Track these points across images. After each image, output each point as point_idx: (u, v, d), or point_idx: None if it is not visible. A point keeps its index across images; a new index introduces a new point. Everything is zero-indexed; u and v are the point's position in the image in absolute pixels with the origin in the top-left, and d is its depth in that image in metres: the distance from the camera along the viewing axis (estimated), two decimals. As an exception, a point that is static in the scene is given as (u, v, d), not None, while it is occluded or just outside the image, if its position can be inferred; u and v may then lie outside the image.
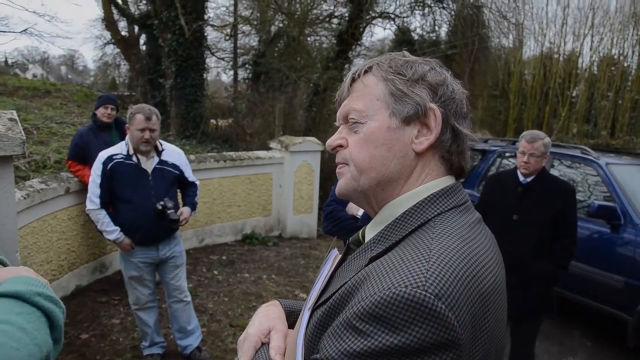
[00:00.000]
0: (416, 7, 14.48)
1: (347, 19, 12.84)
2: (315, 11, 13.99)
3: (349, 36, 12.61)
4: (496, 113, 24.89)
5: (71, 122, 9.34)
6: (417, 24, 31.65)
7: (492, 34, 17.33)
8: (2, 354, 0.73)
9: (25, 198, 4.47)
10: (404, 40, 16.56)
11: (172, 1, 10.82)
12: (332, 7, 13.81)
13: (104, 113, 5.38)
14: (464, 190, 1.02)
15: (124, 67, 19.41)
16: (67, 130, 8.38)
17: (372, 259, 0.89)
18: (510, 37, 20.72)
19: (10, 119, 3.00)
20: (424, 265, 0.77)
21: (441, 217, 0.91)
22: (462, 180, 1.08)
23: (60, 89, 13.88)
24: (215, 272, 6.38)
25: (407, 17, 14.85)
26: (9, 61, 32.79)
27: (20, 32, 24.07)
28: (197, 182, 4.24)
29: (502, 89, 23.97)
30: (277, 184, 8.32)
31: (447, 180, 0.99)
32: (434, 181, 0.98)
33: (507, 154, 7.12)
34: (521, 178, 3.64)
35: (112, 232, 3.82)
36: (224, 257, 7.02)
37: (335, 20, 13.79)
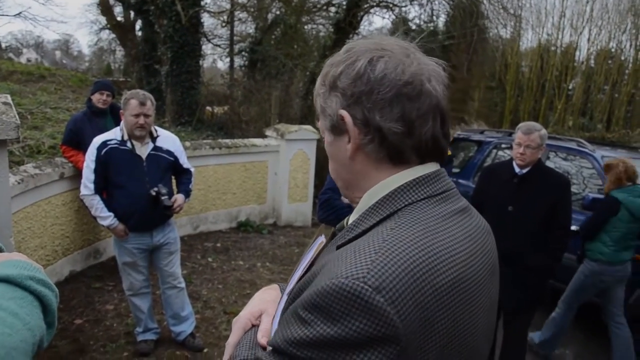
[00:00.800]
0: (414, -4, 14.44)
1: (344, 7, 12.78)
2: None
3: (346, 25, 12.55)
4: (492, 104, 24.93)
5: (66, 108, 9.28)
6: (415, 13, 31.52)
7: (490, 24, 17.30)
8: None
9: (19, 183, 4.45)
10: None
11: (169, -13, 10.74)
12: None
13: (100, 99, 5.34)
14: (446, 178, 0.98)
15: (120, 52, 19.30)
16: (61, 116, 8.33)
17: (338, 247, 0.90)
18: (509, 28, 20.68)
19: (4, 103, 2.98)
20: (371, 256, 0.77)
21: (411, 208, 0.90)
22: (448, 165, 1.05)
23: (54, 73, 13.78)
24: (210, 259, 6.38)
25: (406, 6, 14.79)
26: (3, 45, 32.50)
27: (15, 15, 23.79)
28: (192, 169, 4.22)
29: (498, 80, 23.97)
30: (273, 172, 8.30)
31: (426, 168, 0.95)
32: (408, 170, 0.94)
33: (503, 146, 7.13)
34: (517, 169, 3.64)
35: (106, 217, 3.81)
36: (218, 245, 7.03)
37: (332, 9, 13.73)
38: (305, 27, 15.28)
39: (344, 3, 12.89)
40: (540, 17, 23.22)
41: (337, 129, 0.96)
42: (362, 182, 0.98)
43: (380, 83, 0.90)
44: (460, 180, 7.03)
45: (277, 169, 8.29)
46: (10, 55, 30.82)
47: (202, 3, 11.80)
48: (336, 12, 13.29)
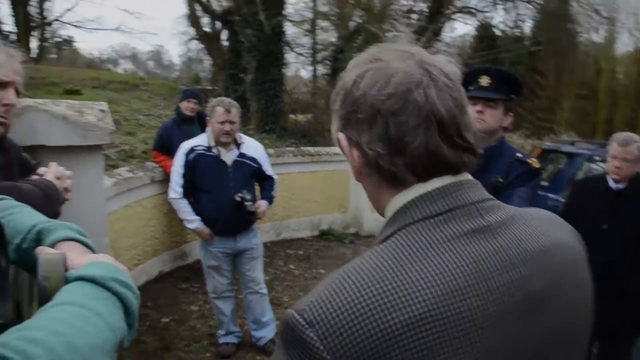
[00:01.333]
0: (499, 1, 13.99)
1: (426, 14, 12.59)
2: (394, 6, 13.82)
3: (429, 32, 12.37)
4: (584, 114, 23.62)
5: (157, 115, 9.75)
6: (499, 19, 30.57)
7: (581, 29, 16.45)
8: (80, 338, 0.73)
9: (114, 185, 4.68)
10: (485, 36, 16.07)
11: (253, -3, 11.03)
12: (411, 2, 13.61)
13: (187, 106, 5.55)
14: (458, 193, 0.85)
15: (207, 62, 20.02)
16: (153, 122, 8.75)
17: None
18: (601, 31, 19.57)
19: (102, 110, 3.14)
20: (322, 287, 0.76)
21: (400, 233, 0.81)
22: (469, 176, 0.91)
23: (147, 82, 14.53)
24: (292, 266, 6.43)
25: (489, 11, 14.38)
26: (104, 57, 34.72)
27: (113, 29, 25.41)
28: (275, 177, 4.27)
29: (591, 88, 22.71)
30: (354, 182, 8.25)
31: (427, 186, 0.84)
32: (406, 191, 0.85)
33: (596, 158, 6.69)
34: (612, 184, 3.34)
35: (193, 221, 3.93)
36: (300, 252, 7.07)
37: (414, 16, 13.57)
38: (387, 34, 15.22)
39: (426, 10, 12.70)
40: (638, 19, 21.84)
41: (342, 151, 0.92)
42: (375, 204, 0.94)
43: (361, 101, 0.84)
44: (549, 195, 6.66)
45: (358, 176, 8.24)
46: (109, 66, 32.88)
47: (285, 12, 12.02)
48: (418, 19, 13.12)
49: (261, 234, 4.42)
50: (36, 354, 0.66)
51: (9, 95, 1.67)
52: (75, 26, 25.47)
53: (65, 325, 0.73)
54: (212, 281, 4.10)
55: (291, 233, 7.73)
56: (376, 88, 0.82)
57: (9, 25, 21.32)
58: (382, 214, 0.91)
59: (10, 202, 1.20)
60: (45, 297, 0.83)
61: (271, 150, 7.24)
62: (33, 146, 2.75)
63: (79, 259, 0.95)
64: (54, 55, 27.71)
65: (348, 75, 0.89)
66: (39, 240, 1.06)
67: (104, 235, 3.18)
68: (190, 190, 3.97)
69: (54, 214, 1.16)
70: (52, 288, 0.84)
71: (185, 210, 3.95)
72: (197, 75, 22.69)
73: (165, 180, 5.28)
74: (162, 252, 5.75)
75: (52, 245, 1.03)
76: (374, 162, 0.85)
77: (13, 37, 20.67)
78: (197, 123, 5.60)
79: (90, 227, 2.80)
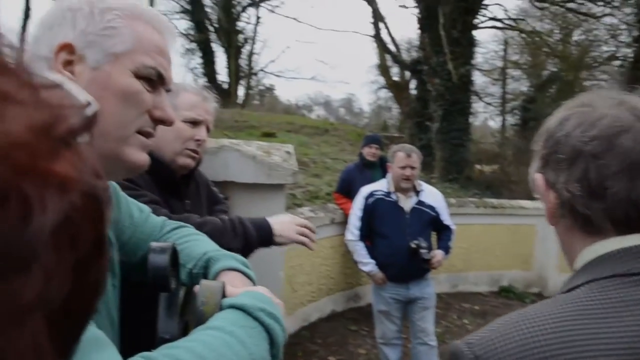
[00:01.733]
0: None
1: (631, 59, 11.45)
2: (593, 53, 12.85)
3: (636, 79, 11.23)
4: None
5: (343, 159, 10.16)
6: None
7: None
8: None
9: (295, 224, 4.93)
10: None
11: (441, 47, 11.09)
12: (613, 48, 12.51)
13: (369, 152, 5.72)
14: None
15: (395, 110, 20.54)
16: (338, 166, 9.12)
17: None
18: None
19: (287, 152, 3.36)
20: (499, 324, 0.76)
21: (596, 284, 0.76)
22: None
23: (337, 128, 15.29)
24: (466, 321, 6.13)
25: None
26: (299, 103, 37.53)
27: (309, 78, 27.47)
28: (453, 227, 4.15)
29: None
30: (541, 237, 7.70)
31: (625, 241, 0.77)
32: (601, 242, 0.79)
33: None
34: None
35: (367, 264, 3.98)
36: (476, 307, 6.73)
37: (617, 62, 12.45)
38: (585, 83, 14.15)
39: (631, 55, 11.56)
40: None
41: (538, 192, 0.90)
42: (565, 252, 0.90)
43: (562, 142, 0.83)
44: None
45: (545, 234, 7.66)
46: (304, 112, 35.35)
47: (474, 61, 11.86)
48: (621, 66, 12.00)
49: (436, 285, 4.31)
50: None
51: (201, 133, 1.88)
52: (277, 75, 28.10)
53: (208, 349, 0.80)
54: (381, 326, 4.07)
55: (468, 286, 7.39)
56: (580, 129, 0.81)
57: (223, 76, 24.26)
58: (571, 263, 0.89)
59: (189, 230, 1.34)
60: (201, 320, 0.91)
61: (453, 200, 7.08)
62: (225, 182, 3.06)
63: (236, 289, 1.01)
64: (256, 102, 30.67)
65: (554, 118, 0.89)
66: (207, 267, 1.17)
67: (279, 269, 3.36)
68: (367, 234, 4.05)
69: (228, 249, 1.27)
70: (208, 313, 0.92)
71: (360, 252, 4.02)
72: (385, 122, 23.35)
73: (345, 222, 5.42)
74: (336, 291, 5.89)
75: (217, 273, 1.13)
76: (568, 205, 0.83)
77: (225, 85, 23.44)
78: (379, 168, 5.72)
79: (268, 260, 3.00)
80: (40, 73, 0.32)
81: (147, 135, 0.97)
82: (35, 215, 0.27)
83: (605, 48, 12.82)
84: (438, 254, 3.91)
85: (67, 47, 0.89)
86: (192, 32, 23.26)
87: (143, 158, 0.96)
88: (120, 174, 1.00)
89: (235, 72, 23.57)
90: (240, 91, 25.27)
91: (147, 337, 0.95)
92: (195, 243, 1.25)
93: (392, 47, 16.17)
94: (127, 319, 1.09)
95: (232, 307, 0.92)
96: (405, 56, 16.30)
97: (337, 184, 6.04)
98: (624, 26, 11.91)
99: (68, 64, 0.89)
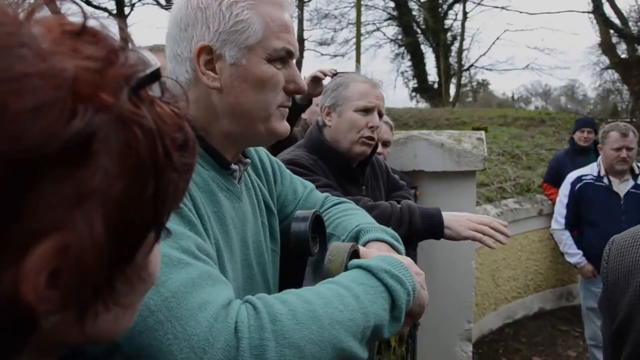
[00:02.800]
0: None
1: None
2: None
3: None
4: None
5: (559, 149, 9.38)
6: None
7: None
8: (324, 310, 0.82)
9: (498, 215, 4.73)
10: None
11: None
12: None
13: (581, 137, 5.24)
14: None
15: (626, 92, 18.26)
16: (554, 157, 8.46)
17: None
18: None
19: (478, 139, 3.25)
20: None
21: None
22: None
23: (554, 117, 14.14)
24: None
25: None
26: (515, 96, 35.41)
27: (522, 68, 25.98)
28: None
29: None
30: None
31: None
32: None
33: None
34: None
35: (574, 255, 3.68)
36: None
37: None
38: None
39: None
40: None
41: None
42: None
43: None
44: None
45: None
46: (521, 104, 33.26)
47: None
48: None
49: None
50: (279, 311, 0.79)
51: (374, 119, 1.96)
52: (488, 69, 26.99)
53: (317, 297, 0.85)
54: (591, 325, 3.68)
55: None
56: None
57: (433, 76, 24.19)
58: None
59: (349, 205, 1.40)
60: (327, 277, 0.96)
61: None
62: (414, 171, 3.08)
63: (374, 254, 1.05)
64: (469, 99, 29.86)
65: None
66: (357, 238, 1.21)
67: (470, 258, 3.27)
68: (575, 223, 3.72)
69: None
70: (334, 270, 0.98)
71: (566, 242, 3.74)
72: (615, 106, 20.89)
73: (554, 213, 5.06)
74: (544, 288, 5.50)
75: (365, 243, 1.17)
76: None
77: (436, 85, 23.41)
78: (593, 154, 5.18)
79: (457, 249, 2.93)
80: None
81: (285, 107, 1.07)
82: (77, 118, 0.35)
83: None
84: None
85: (206, 49, 0.98)
86: (400, 36, 23.65)
87: (284, 126, 1.07)
88: (266, 142, 1.14)
89: (445, 71, 23.33)
90: (452, 90, 24.94)
91: None
92: (352, 217, 1.31)
93: (616, 21, 14.43)
94: (284, 283, 1.19)
95: (359, 267, 0.96)
96: (633, 28, 14.37)
97: (545, 174, 5.64)
98: None
99: (209, 63, 0.99)
